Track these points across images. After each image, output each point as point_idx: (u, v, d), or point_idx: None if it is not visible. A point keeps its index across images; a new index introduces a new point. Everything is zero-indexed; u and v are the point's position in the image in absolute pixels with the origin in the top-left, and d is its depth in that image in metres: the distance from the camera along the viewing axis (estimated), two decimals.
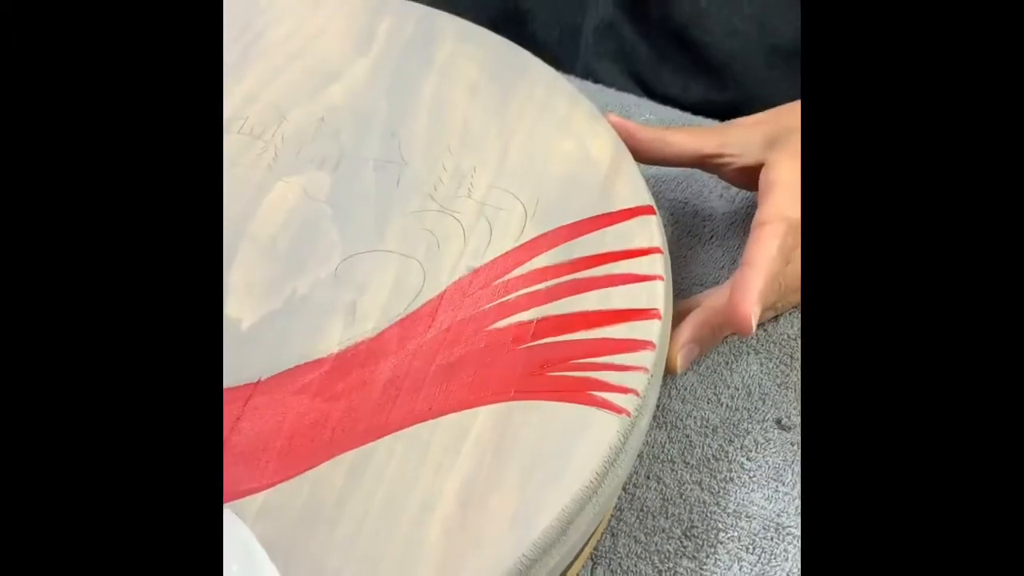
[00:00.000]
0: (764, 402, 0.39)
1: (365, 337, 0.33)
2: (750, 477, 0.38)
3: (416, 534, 0.28)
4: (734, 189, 0.46)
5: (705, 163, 0.42)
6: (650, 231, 0.36)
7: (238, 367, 0.32)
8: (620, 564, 0.36)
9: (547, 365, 0.32)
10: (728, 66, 0.53)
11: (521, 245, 0.35)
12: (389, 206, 0.37)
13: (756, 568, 0.35)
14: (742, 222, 0.45)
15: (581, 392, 0.31)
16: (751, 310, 0.35)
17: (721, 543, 0.36)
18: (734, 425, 0.39)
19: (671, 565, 0.35)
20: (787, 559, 0.35)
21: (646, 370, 0.32)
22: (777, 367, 0.40)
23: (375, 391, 0.32)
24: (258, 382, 0.32)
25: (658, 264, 0.35)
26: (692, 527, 0.36)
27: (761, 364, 0.41)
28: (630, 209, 0.36)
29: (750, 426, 0.39)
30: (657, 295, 0.34)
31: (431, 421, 0.31)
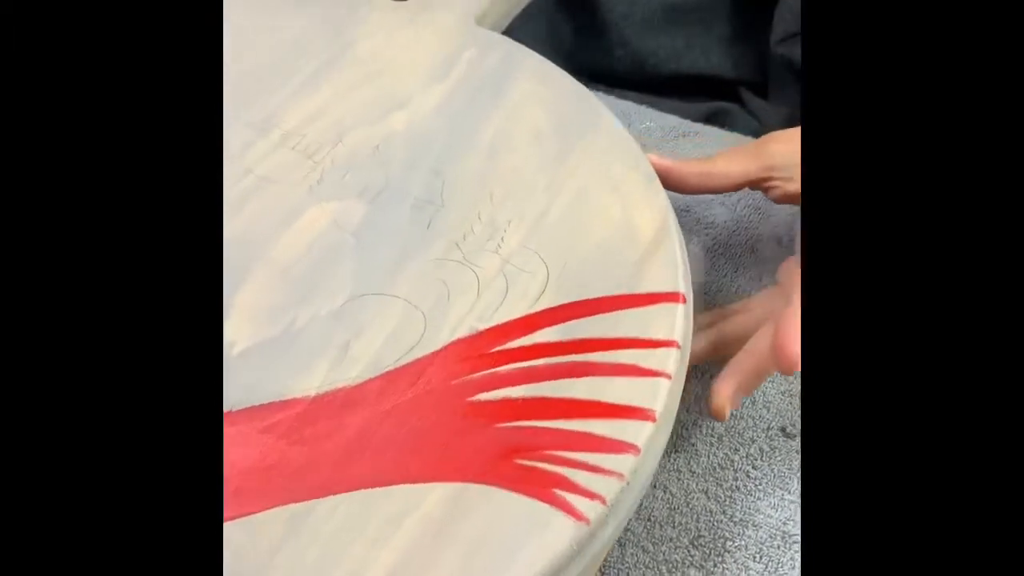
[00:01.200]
0: (768, 411, 0.40)
1: (346, 384, 0.32)
2: (756, 486, 0.38)
3: None
4: (735, 195, 0.46)
5: (752, 187, 0.41)
6: (672, 322, 0.33)
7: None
8: (628, 574, 0.36)
9: (519, 452, 0.30)
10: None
11: (533, 313, 0.33)
12: (412, 249, 0.36)
13: None
14: (744, 229, 0.46)
15: (545, 488, 0.29)
16: (797, 351, 0.34)
17: (728, 552, 0.36)
18: (739, 434, 0.39)
19: (679, 574, 0.36)
20: (794, 567, 0.35)
21: (621, 477, 0.29)
22: (780, 376, 0.40)
23: (339, 445, 0.30)
24: (228, 412, 0.31)
25: (670, 361, 0.32)
26: (699, 536, 0.36)
27: None
28: (657, 294, 0.34)
29: (755, 435, 0.39)
30: (659, 395, 0.31)
31: (384, 488, 0.29)
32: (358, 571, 0.28)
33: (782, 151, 0.40)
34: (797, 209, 0.42)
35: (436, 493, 0.29)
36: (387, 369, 0.32)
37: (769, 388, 0.40)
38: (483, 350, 0.33)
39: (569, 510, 0.28)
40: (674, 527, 0.36)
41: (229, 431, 0.31)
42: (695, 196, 0.44)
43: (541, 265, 0.35)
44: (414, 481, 0.29)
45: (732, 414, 0.38)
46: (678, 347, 0.32)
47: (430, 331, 0.33)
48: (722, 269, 0.44)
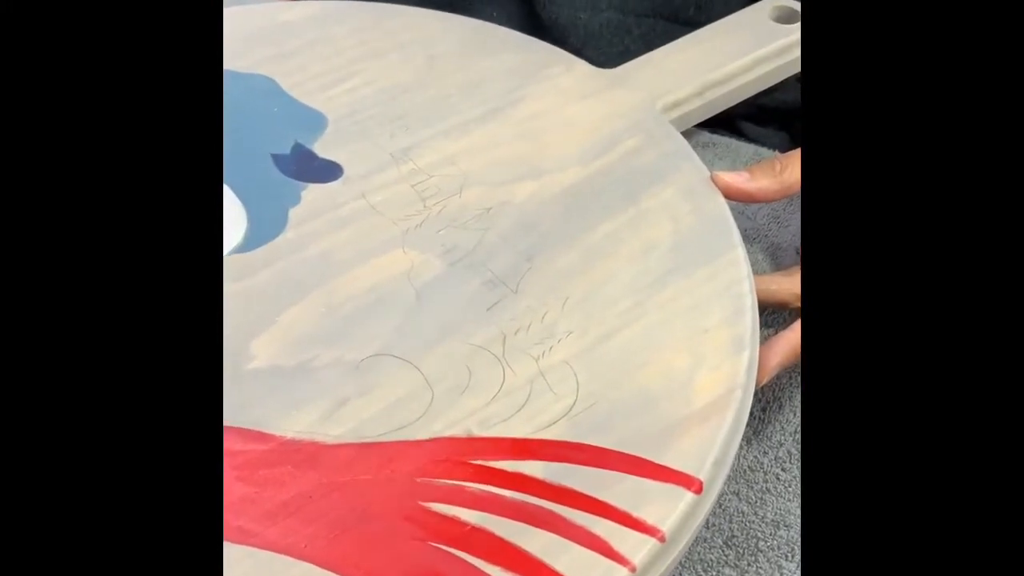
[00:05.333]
0: (795, 415, 0.40)
1: (321, 441, 0.31)
2: (785, 487, 0.38)
3: None
4: (755, 205, 0.46)
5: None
6: (670, 509, 0.28)
7: None
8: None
9: None
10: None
11: (534, 439, 0.30)
12: (460, 326, 0.34)
13: (796, 574, 0.36)
14: (764, 237, 0.46)
15: None
16: None
17: (761, 551, 0.36)
18: (768, 437, 0.39)
19: (714, 573, 0.36)
20: None
21: None
22: None
23: (279, 497, 0.29)
24: None
25: (643, 551, 0.27)
26: (732, 536, 0.37)
27: (790, 377, 0.41)
28: (674, 472, 0.29)
29: (783, 438, 0.39)
30: None
31: (292, 560, 0.28)
32: None
33: None
34: None
35: None
36: (367, 440, 0.31)
37: (796, 393, 0.41)
38: (465, 458, 0.30)
39: None
40: (708, 528, 0.37)
41: None
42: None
43: (572, 392, 0.31)
44: (322, 566, 0.28)
45: (758, 417, 0.40)
46: (662, 540, 0.28)
47: (428, 416, 0.31)
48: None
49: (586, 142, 0.40)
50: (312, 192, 0.39)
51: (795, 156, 0.40)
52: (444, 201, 0.38)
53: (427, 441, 0.31)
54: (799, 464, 0.38)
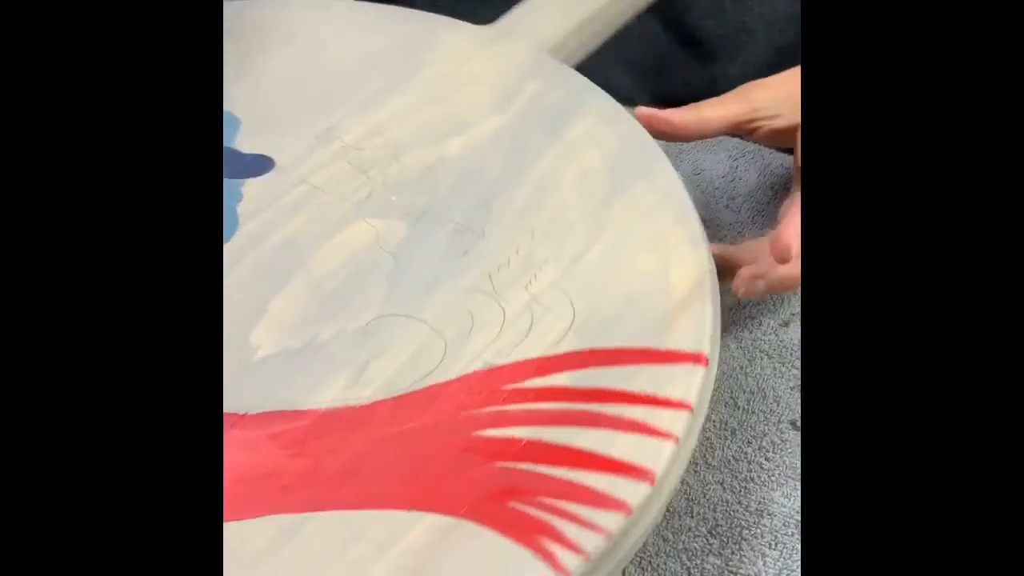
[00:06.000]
0: (778, 404, 0.41)
1: (358, 403, 0.32)
2: (769, 476, 0.39)
3: None
4: (739, 198, 0.49)
5: (738, 129, 0.43)
6: (689, 384, 0.32)
7: (233, 395, 0.33)
8: (651, 562, 0.37)
9: (513, 494, 0.30)
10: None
11: (551, 356, 0.33)
12: (445, 274, 0.36)
13: (779, 563, 0.37)
14: (748, 229, 0.48)
15: (532, 536, 0.29)
16: (790, 242, 0.38)
17: (745, 540, 0.38)
18: (751, 427, 0.41)
19: (699, 562, 0.37)
20: None
21: (609, 535, 0.29)
22: (789, 371, 0.42)
23: (338, 462, 0.31)
24: (243, 415, 0.32)
25: (679, 423, 0.31)
26: (717, 525, 0.38)
27: (774, 368, 0.43)
28: (680, 353, 0.33)
29: (766, 428, 0.41)
30: (661, 457, 0.30)
31: (373, 511, 0.30)
32: None
33: (764, 96, 0.43)
34: (790, 159, 0.46)
35: (424, 523, 0.29)
36: (399, 393, 0.33)
37: (779, 384, 0.42)
38: (496, 386, 0.33)
39: (551, 561, 0.28)
40: (692, 517, 0.38)
41: (238, 434, 0.32)
42: (701, 202, 0.47)
43: (568, 308, 0.35)
44: (405, 508, 0.30)
45: (744, 408, 0.41)
46: (691, 410, 0.32)
47: (448, 360, 0.33)
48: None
49: (494, 93, 0.43)
50: (252, 187, 0.39)
51: (715, 100, 0.43)
52: (384, 169, 0.40)
53: (455, 380, 0.33)
54: (782, 454, 0.40)
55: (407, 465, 0.31)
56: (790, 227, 0.38)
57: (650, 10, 0.51)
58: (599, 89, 0.43)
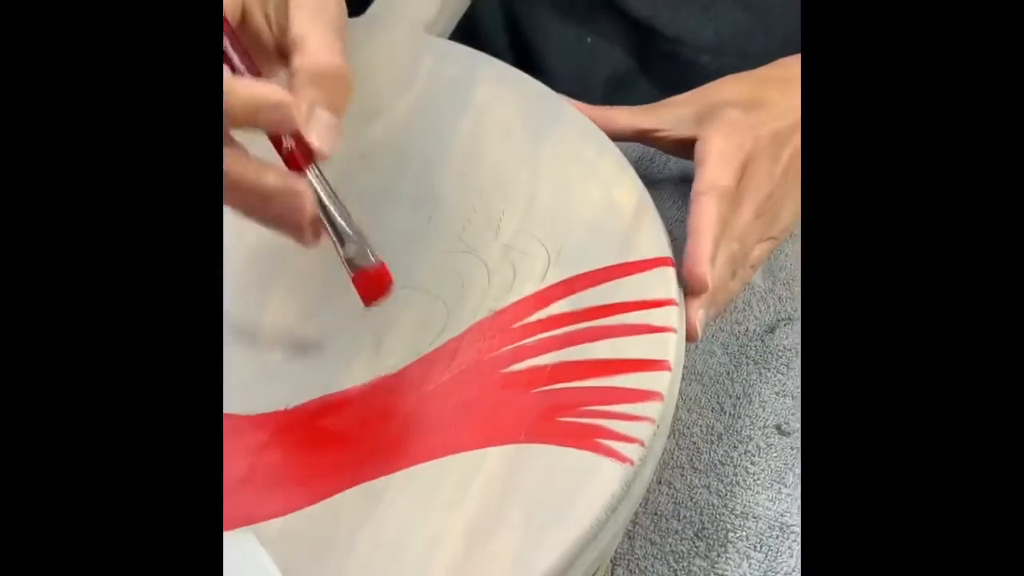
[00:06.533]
0: (764, 409, 0.42)
1: (388, 372, 0.35)
2: (755, 480, 0.40)
3: (422, 571, 0.30)
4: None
5: (645, 137, 0.46)
6: (666, 283, 0.37)
7: (266, 393, 0.34)
8: (638, 564, 0.38)
9: (558, 410, 0.33)
10: None
11: (542, 290, 0.37)
12: (419, 243, 0.38)
13: (764, 565, 0.38)
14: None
15: (589, 439, 0.33)
16: (704, 270, 0.38)
17: (730, 542, 0.38)
18: (737, 432, 0.41)
19: (685, 564, 0.38)
20: (792, 556, 0.38)
21: (652, 421, 0.33)
22: (775, 376, 0.43)
23: (394, 426, 0.33)
24: (286, 410, 0.34)
25: (672, 316, 0.36)
26: (703, 528, 0.39)
27: (760, 374, 0.43)
28: (649, 260, 0.38)
29: (752, 432, 0.41)
30: (668, 347, 0.35)
31: (444, 459, 0.32)
32: (438, 536, 0.31)
33: (672, 110, 0.45)
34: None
35: (493, 455, 0.32)
36: (422, 355, 0.35)
37: (764, 389, 0.42)
38: (505, 327, 0.36)
39: (614, 455, 0.32)
40: (679, 520, 0.39)
41: (287, 427, 0.33)
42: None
43: (540, 247, 0.38)
44: (470, 448, 0.33)
45: (730, 412, 0.42)
46: (676, 304, 0.36)
47: (453, 316, 0.36)
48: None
49: (394, 78, 0.45)
50: None
51: (631, 108, 0.46)
52: (324, 165, 0.41)
53: (467, 331, 0.36)
54: (767, 458, 0.40)
55: (454, 414, 0.34)
56: (699, 255, 0.38)
57: None
58: (488, 55, 0.46)
